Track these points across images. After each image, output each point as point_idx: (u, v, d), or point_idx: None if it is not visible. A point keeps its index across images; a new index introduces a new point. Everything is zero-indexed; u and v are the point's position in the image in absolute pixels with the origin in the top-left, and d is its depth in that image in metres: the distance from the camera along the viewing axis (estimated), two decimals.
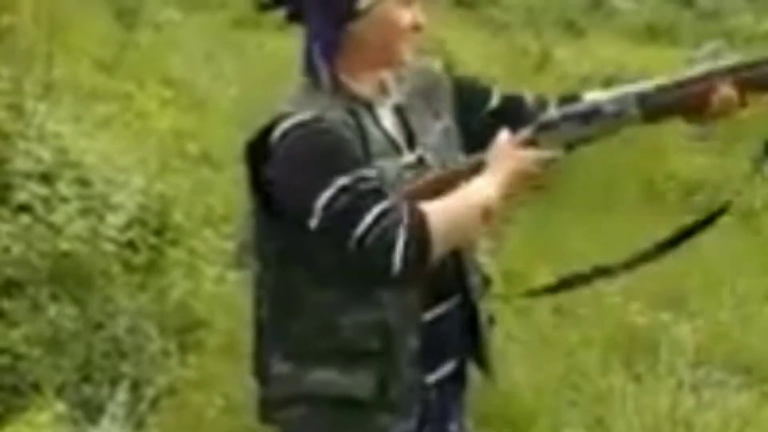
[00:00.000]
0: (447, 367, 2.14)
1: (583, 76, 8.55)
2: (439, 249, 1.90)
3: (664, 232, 6.25)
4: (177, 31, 7.35)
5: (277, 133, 1.93)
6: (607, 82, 8.46)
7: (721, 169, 7.39)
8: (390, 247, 1.85)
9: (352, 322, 1.97)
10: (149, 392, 3.59)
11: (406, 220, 1.87)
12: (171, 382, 3.72)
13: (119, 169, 4.37)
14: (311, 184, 1.89)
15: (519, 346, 4.34)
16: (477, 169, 1.99)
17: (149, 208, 4.24)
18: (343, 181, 1.87)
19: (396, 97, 2.09)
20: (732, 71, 1.97)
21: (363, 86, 2.04)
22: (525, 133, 2.01)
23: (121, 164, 4.45)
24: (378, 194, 1.89)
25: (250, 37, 8.96)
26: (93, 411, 3.50)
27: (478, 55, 9.51)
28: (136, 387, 3.61)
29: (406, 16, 2.00)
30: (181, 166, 5.32)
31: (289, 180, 1.93)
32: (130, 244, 4.09)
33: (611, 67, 7.88)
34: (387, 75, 2.08)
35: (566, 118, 2.01)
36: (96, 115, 5.62)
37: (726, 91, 1.96)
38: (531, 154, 1.99)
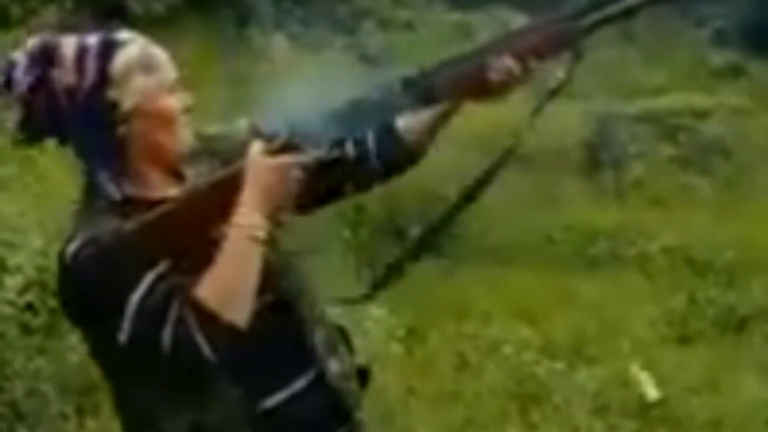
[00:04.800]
0: None
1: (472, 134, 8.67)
2: (236, 312, 1.81)
3: (562, 283, 6.35)
4: None
5: (65, 260, 1.83)
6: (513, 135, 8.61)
7: (615, 219, 7.60)
8: (194, 347, 1.78)
9: (169, 428, 1.89)
10: None
11: (190, 316, 1.78)
12: None
13: (17, 230, 4.34)
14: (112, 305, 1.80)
15: (420, 400, 4.40)
16: (236, 179, 1.87)
17: (48, 269, 4.21)
18: (139, 294, 1.78)
19: (201, 167, 2.02)
20: (503, 43, 1.92)
21: (157, 187, 1.95)
22: (281, 137, 1.88)
23: (20, 226, 4.42)
24: (167, 298, 1.79)
25: None
26: None
27: None
28: None
29: (175, 103, 1.94)
30: None
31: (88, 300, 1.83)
32: (29, 307, 4.05)
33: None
34: (177, 162, 1.99)
35: (325, 116, 1.90)
36: None
37: (503, 62, 1.90)
38: (288, 159, 1.87)
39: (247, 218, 1.84)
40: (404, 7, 15.42)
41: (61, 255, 1.84)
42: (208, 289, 1.80)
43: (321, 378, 2.03)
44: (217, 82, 9.01)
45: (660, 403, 4.72)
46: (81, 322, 1.91)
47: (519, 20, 16.19)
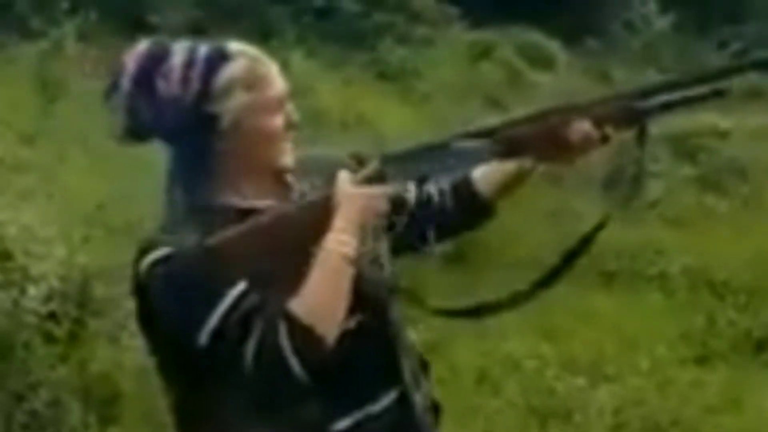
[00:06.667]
0: None
1: None
2: (327, 328, 1.81)
3: (582, 301, 6.32)
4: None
5: (142, 267, 1.82)
6: None
7: (634, 238, 7.59)
8: (282, 362, 1.77)
9: None
10: None
11: (282, 329, 1.77)
12: None
13: (41, 240, 4.37)
14: (191, 320, 1.79)
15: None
16: (325, 205, 1.90)
17: (71, 279, 4.24)
18: (221, 310, 1.77)
19: (300, 186, 2.02)
20: (585, 108, 1.96)
21: (249, 196, 1.94)
22: (371, 167, 1.95)
23: (43, 236, 4.45)
24: (249, 315, 1.78)
25: None
26: None
27: (400, 128, 9.66)
28: None
29: (277, 121, 1.94)
30: (105, 236, 5.31)
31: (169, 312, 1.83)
32: (52, 316, 4.08)
33: None
34: (276, 176, 1.99)
35: (413, 152, 1.98)
36: (18, 187, 5.61)
37: (582, 125, 1.94)
38: (376, 190, 1.93)
39: (340, 238, 1.86)
40: (423, 24, 15.49)
41: (138, 263, 1.83)
42: (301, 304, 1.80)
43: (402, 406, 2.01)
44: None
45: (679, 423, 4.70)
46: (156, 333, 1.88)
47: (536, 39, 16.28)
